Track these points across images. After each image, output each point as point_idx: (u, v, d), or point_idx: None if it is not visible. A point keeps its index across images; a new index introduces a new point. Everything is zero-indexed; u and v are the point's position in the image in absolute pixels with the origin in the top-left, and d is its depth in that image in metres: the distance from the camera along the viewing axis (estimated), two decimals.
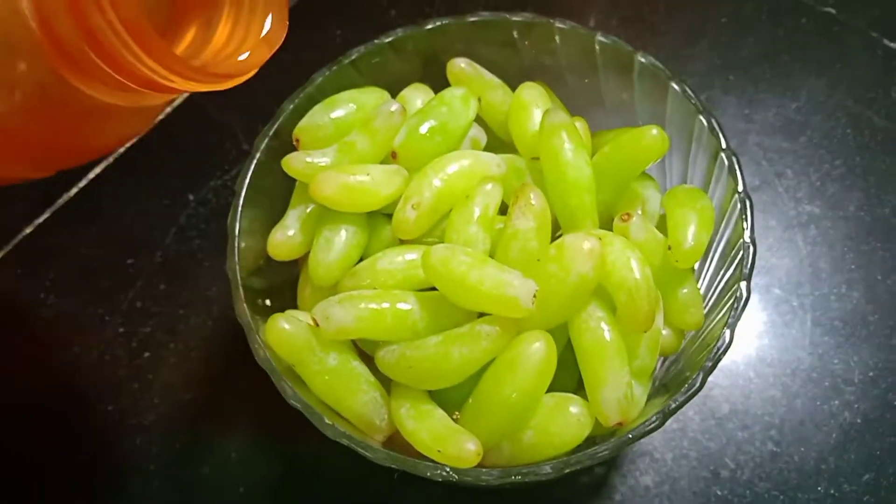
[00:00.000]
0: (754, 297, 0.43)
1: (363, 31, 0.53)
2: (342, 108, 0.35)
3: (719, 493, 0.39)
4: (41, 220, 0.49)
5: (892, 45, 0.50)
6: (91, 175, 0.50)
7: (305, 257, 0.34)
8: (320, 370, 0.30)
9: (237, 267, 0.31)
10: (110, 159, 0.50)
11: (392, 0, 0.54)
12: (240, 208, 0.32)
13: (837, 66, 0.50)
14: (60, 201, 0.49)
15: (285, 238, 0.34)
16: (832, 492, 0.39)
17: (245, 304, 0.31)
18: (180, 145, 0.50)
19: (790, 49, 0.50)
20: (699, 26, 0.51)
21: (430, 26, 0.36)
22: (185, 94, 0.52)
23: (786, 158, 0.47)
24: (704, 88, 0.49)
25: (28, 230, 0.48)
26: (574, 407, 0.30)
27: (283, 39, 0.30)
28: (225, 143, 0.50)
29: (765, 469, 0.40)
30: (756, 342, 0.43)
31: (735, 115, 0.48)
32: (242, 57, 0.28)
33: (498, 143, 0.37)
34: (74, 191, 0.49)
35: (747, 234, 0.30)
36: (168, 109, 0.51)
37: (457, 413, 0.31)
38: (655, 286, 0.30)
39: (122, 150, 0.50)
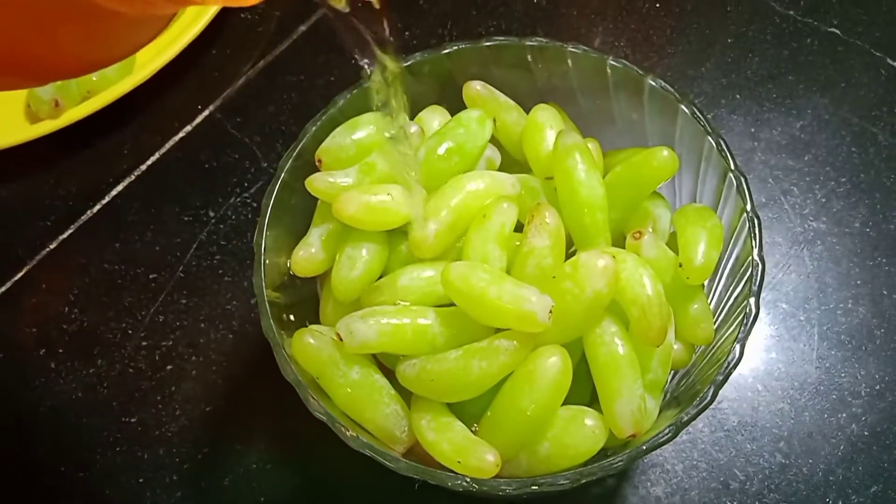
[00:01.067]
0: (762, 312, 0.44)
1: None
2: (363, 129, 0.36)
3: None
4: (65, 235, 0.50)
5: (894, 64, 0.51)
6: (114, 192, 0.51)
7: (327, 274, 0.35)
8: (343, 383, 0.31)
9: (263, 284, 0.32)
10: (132, 176, 0.51)
11: (407, 22, 0.55)
12: (266, 227, 0.33)
13: (842, 86, 0.51)
14: (84, 217, 0.50)
15: (309, 255, 0.35)
16: (840, 503, 0.40)
17: (271, 320, 0.32)
18: (200, 163, 0.51)
19: (795, 69, 0.51)
20: (705, 47, 0.52)
21: (446, 51, 0.37)
22: (206, 112, 0.53)
23: (791, 176, 0.48)
24: (711, 108, 0.50)
25: (52, 245, 0.50)
26: (589, 419, 0.31)
27: None
28: (244, 161, 0.51)
29: (774, 481, 0.41)
30: (764, 356, 0.43)
31: (742, 133, 0.49)
32: None
33: (512, 162, 0.38)
34: (98, 207, 0.51)
35: (755, 252, 0.31)
36: (188, 128, 0.53)
37: (475, 425, 0.32)
38: (667, 302, 0.32)
39: (143, 167, 0.52)
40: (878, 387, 0.42)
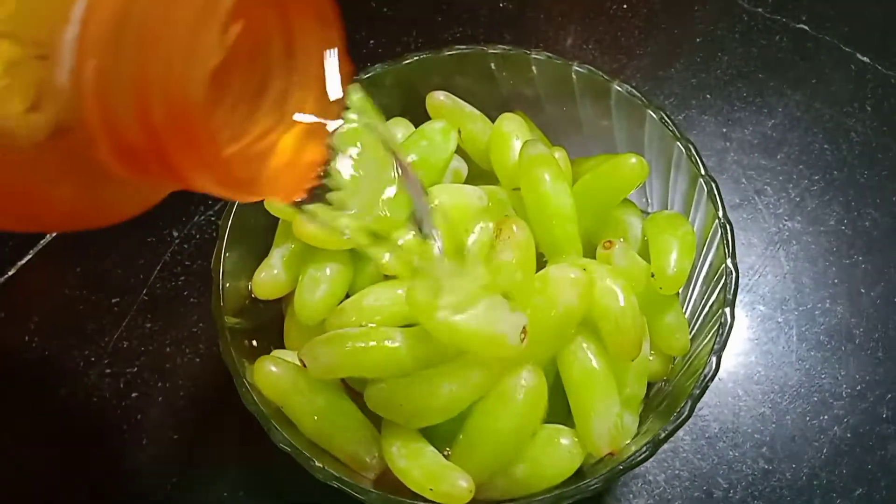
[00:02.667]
0: (740, 315, 0.44)
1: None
2: None
3: None
4: (24, 261, 0.48)
5: (864, 59, 0.51)
6: None
7: (291, 296, 0.34)
8: (309, 410, 0.30)
9: (222, 310, 0.31)
10: None
11: (370, 31, 0.54)
12: (224, 249, 0.32)
13: (812, 82, 0.50)
14: (43, 242, 0.49)
15: (270, 277, 0.34)
16: None
17: (231, 347, 0.30)
18: None
19: (765, 66, 0.51)
20: (674, 48, 0.52)
21: (407, 61, 0.36)
22: None
23: (764, 175, 0.47)
24: (682, 109, 0.50)
25: (11, 272, 0.48)
26: (565, 439, 0.30)
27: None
28: None
29: (757, 487, 0.40)
30: (743, 360, 0.43)
31: (713, 133, 0.49)
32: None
33: (479, 173, 0.37)
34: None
35: (729, 260, 0.30)
36: None
37: (448, 449, 0.31)
38: (641, 313, 0.31)
39: None
40: (858, 387, 0.42)
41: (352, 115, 0.23)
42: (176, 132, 0.19)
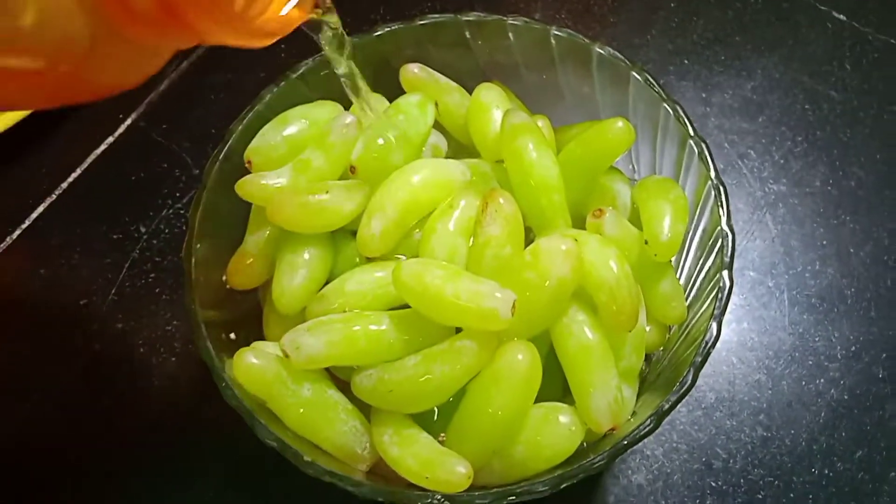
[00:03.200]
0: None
1: (309, 44, 0.51)
2: (294, 124, 0.33)
3: (714, 484, 0.39)
4: None
5: (841, 17, 0.50)
6: (34, 215, 0.47)
7: (268, 284, 0.32)
8: (294, 403, 0.29)
9: (195, 303, 0.29)
10: (53, 196, 0.48)
11: (337, 8, 0.52)
12: (195, 240, 0.30)
13: (790, 43, 0.49)
14: (3, 245, 0.46)
15: (245, 266, 0.32)
16: (827, 472, 0.38)
17: (208, 342, 0.29)
18: (126, 175, 0.48)
19: (741, 29, 0.50)
20: (649, 14, 0.51)
21: (378, 33, 0.34)
22: (128, 121, 0.50)
23: (747, 139, 0.46)
24: (659, 75, 0.48)
25: None
26: (564, 416, 0.28)
27: None
28: (174, 170, 0.48)
29: (757, 455, 0.39)
30: (735, 327, 0.42)
31: (693, 99, 0.48)
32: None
33: (460, 148, 0.36)
34: (17, 233, 0.47)
35: (724, 221, 0.29)
36: (110, 139, 0.49)
37: (442, 435, 0.29)
38: (635, 282, 0.29)
39: (64, 185, 0.48)
40: (853, 348, 0.41)
41: None
42: None
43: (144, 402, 0.42)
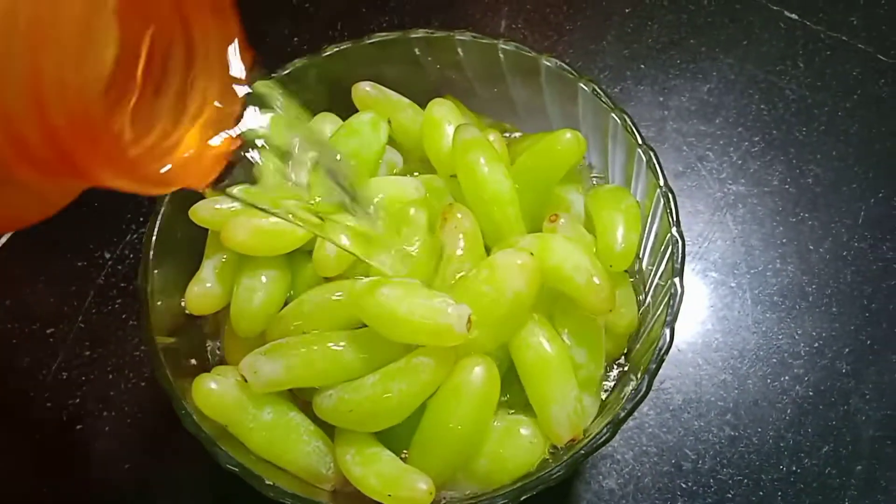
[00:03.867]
0: (693, 284, 0.43)
1: (266, 61, 0.51)
2: None
3: (684, 485, 0.39)
4: None
5: (792, 16, 0.51)
6: None
7: (227, 309, 0.32)
8: (256, 427, 0.29)
9: (152, 331, 0.29)
10: None
11: (295, 28, 0.52)
12: (150, 268, 0.30)
13: (744, 44, 0.50)
14: None
15: (203, 291, 0.32)
16: (794, 468, 0.39)
17: (167, 369, 0.29)
18: (88, 201, 0.47)
19: (695, 32, 0.50)
20: (604, 20, 0.51)
21: (328, 53, 0.34)
22: None
23: (705, 141, 0.47)
24: (617, 81, 0.49)
25: None
26: (524, 429, 0.29)
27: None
28: (136, 195, 0.47)
29: (725, 455, 0.39)
30: (700, 328, 0.42)
31: (650, 103, 0.48)
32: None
33: (415, 163, 0.36)
34: None
35: (674, 229, 0.29)
36: None
37: (405, 451, 0.29)
38: None
39: None
40: (816, 344, 0.42)
41: (256, 104, 0.22)
42: (77, 133, 0.18)
43: (113, 428, 0.41)
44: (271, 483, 0.27)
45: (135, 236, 0.46)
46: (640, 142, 0.31)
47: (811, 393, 0.41)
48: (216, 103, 0.22)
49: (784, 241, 0.44)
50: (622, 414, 0.27)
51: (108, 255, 0.46)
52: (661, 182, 0.30)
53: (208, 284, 0.32)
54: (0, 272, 0.46)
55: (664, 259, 0.30)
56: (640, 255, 0.34)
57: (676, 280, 0.29)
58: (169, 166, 0.21)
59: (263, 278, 0.31)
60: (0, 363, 0.44)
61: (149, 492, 0.40)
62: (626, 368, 0.32)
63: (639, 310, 0.32)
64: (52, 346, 0.44)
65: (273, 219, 0.30)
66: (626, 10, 0.51)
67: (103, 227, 0.47)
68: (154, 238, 0.31)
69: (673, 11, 0.51)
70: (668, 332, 0.28)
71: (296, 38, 0.52)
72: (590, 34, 0.51)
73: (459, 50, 0.34)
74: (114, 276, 0.45)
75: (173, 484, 0.40)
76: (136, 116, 0.21)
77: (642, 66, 0.50)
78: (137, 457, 0.41)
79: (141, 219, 0.47)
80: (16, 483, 0.41)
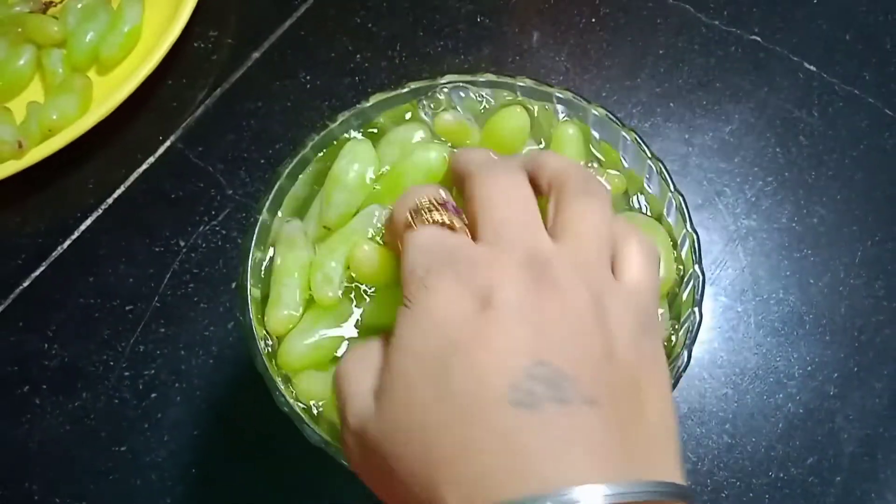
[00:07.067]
0: (704, 306, 0.48)
1: (330, 75, 0.56)
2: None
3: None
4: (37, 273, 0.51)
5: (811, 67, 0.56)
6: (82, 227, 0.52)
7: None
8: None
9: (254, 320, 0.34)
10: (99, 210, 0.53)
11: (356, 45, 0.57)
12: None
13: (765, 90, 0.55)
14: (55, 254, 0.52)
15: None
16: (782, 475, 0.44)
17: (263, 357, 0.34)
18: (166, 194, 0.53)
19: (721, 76, 0.55)
20: (639, 59, 0.56)
21: (406, 90, 0.39)
22: (167, 143, 0.55)
23: (724, 178, 0.52)
24: (648, 116, 0.54)
25: (26, 283, 0.51)
26: None
27: None
28: (209, 189, 0.53)
29: (722, 459, 0.45)
30: (707, 346, 0.48)
31: (677, 139, 0.53)
32: None
33: None
34: (67, 243, 0.52)
35: (696, 266, 0.35)
36: (151, 159, 0.54)
37: None
38: None
39: (109, 200, 0.53)
40: (809, 368, 0.47)
41: None
42: None
43: (185, 398, 0.47)
44: None
45: (206, 227, 0.52)
46: (672, 188, 0.36)
47: (801, 410, 0.46)
48: None
49: (788, 273, 0.49)
50: None
51: (182, 243, 0.51)
52: (689, 226, 0.35)
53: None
54: (85, 251, 0.51)
55: (686, 289, 0.35)
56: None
57: (696, 310, 0.34)
58: None
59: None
60: (84, 333, 0.49)
61: (213, 456, 0.46)
62: None
63: None
64: (131, 321, 0.49)
65: None
66: (661, 52, 0.56)
67: (179, 217, 0.52)
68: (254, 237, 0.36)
69: (703, 55, 0.56)
70: (686, 353, 0.33)
71: (358, 55, 0.57)
72: (626, 71, 0.56)
73: (518, 94, 0.39)
74: (187, 262, 0.51)
75: (236, 451, 0.46)
76: None
77: (671, 104, 0.55)
78: (204, 425, 0.46)
79: (213, 212, 0.52)
80: (94, 444, 0.46)
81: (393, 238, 0.31)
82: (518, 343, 0.25)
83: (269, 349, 0.35)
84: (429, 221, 0.29)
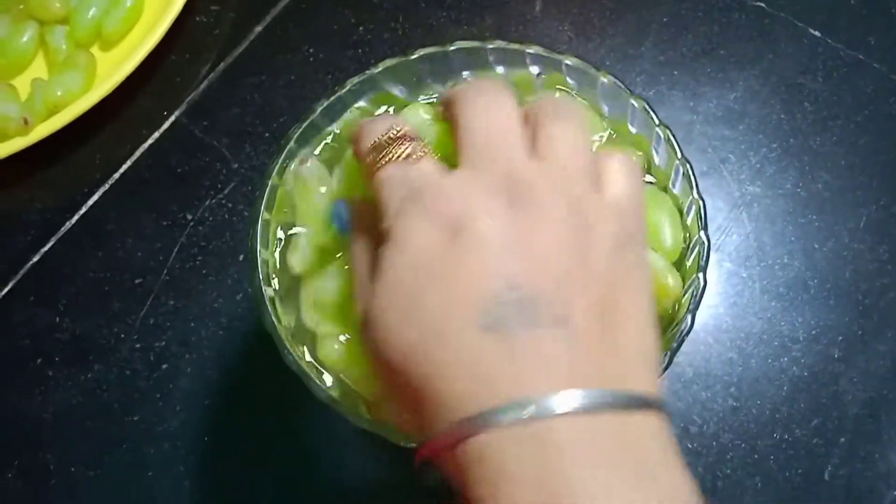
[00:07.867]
0: (709, 272, 0.48)
1: (333, 48, 0.56)
2: None
3: (689, 446, 0.45)
4: (47, 248, 0.52)
5: (816, 33, 0.55)
6: (90, 202, 0.53)
7: None
8: None
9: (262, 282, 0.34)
10: (106, 186, 0.53)
11: (359, 17, 0.57)
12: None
13: (769, 57, 0.55)
14: (63, 229, 0.52)
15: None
16: (786, 437, 0.45)
17: (273, 317, 0.34)
18: (172, 168, 0.53)
19: (725, 43, 0.55)
20: (643, 27, 0.56)
21: (415, 56, 0.39)
22: (172, 118, 0.55)
23: (728, 145, 0.52)
24: (652, 85, 0.54)
25: (35, 258, 0.51)
26: None
27: None
28: (215, 164, 0.53)
29: (727, 422, 0.45)
30: (713, 311, 0.48)
31: (681, 107, 0.53)
32: None
33: None
34: (76, 218, 0.52)
35: (702, 233, 0.35)
36: (156, 134, 0.54)
37: None
38: None
39: (116, 175, 0.53)
40: (813, 332, 0.47)
41: None
42: None
43: (195, 369, 0.48)
44: (367, 417, 0.33)
45: (213, 201, 0.52)
46: (679, 155, 0.36)
47: (806, 374, 0.46)
48: None
49: (792, 239, 0.50)
50: None
51: (189, 217, 0.52)
52: (695, 192, 0.35)
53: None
54: (94, 226, 0.52)
55: (691, 255, 0.36)
56: None
57: (700, 275, 0.34)
58: None
59: None
60: (94, 307, 0.50)
61: (225, 425, 0.46)
62: None
63: None
64: (140, 295, 0.50)
65: None
66: (664, 19, 0.56)
67: (186, 192, 0.52)
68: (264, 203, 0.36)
69: (706, 23, 0.56)
70: (689, 317, 0.34)
71: (361, 27, 0.57)
72: (629, 40, 0.55)
73: (528, 60, 0.39)
74: (195, 236, 0.51)
75: (247, 419, 0.47)
76: None
77: (675, 72, 0.55)
78: (216, 395, 0.47)
79: (219, 185, 0.52)
80: (107, 414, 0.47)
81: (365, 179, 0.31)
82: (489, 267, 0.25)
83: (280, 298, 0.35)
84: (391, 158, 0.29)
